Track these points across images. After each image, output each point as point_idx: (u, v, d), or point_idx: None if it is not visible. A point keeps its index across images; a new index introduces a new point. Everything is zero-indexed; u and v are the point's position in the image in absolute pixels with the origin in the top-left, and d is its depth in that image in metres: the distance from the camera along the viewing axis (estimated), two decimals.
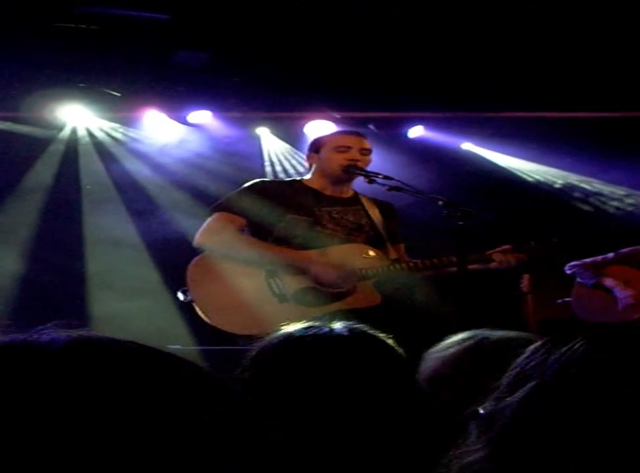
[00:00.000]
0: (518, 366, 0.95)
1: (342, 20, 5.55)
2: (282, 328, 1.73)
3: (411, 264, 4.34)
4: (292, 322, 1.78)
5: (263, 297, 4.19)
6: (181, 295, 4.24)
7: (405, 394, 1.64)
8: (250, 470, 0.69)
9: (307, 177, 4.57)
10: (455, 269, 4.19)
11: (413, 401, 1.64)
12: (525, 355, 0.96)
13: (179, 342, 5.51)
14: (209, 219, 4.36)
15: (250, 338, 3.91)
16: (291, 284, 4.23)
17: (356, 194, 4.57)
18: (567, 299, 5.68)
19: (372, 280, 4.29)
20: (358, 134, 4.57)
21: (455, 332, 2.04)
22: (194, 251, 4.39)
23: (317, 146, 4.50)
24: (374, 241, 4.43)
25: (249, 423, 0.73)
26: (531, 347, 0.96)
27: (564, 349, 0.92)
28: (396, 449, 1.54)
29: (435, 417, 1.70)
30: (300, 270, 4.23)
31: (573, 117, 6.92)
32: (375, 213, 4.52)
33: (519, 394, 0.91)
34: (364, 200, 4.56)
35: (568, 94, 6.47)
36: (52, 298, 6.11)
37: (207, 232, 4.33)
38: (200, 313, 4.18)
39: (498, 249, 4.37)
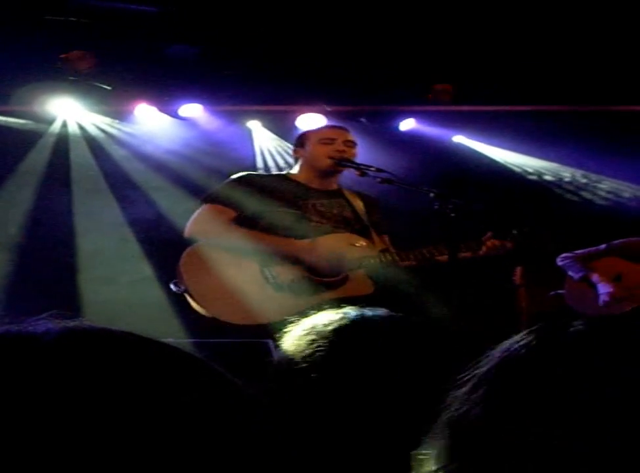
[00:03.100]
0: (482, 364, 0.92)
1: (334, 14, 5.55)
2: (288, 318, 1.71)
3: (402, 254, 4.36)
4: (288, 311, 1.77)
5: (259, 286, 4.20)
6: (173, 287, 4.25)
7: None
8: (241, 467, 0.68)
9: (294, 170, 4.62)
10: (445, 258, 4.22)
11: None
12: (490, 353, 0.94)
13: (171, 335, 5.49)
14: (198, 210, 4.41)
15: (243, 328, 3.91)
16: (285, 273, 4.26)
17: (339, 187, 4.62)
18: (560, 291, 5.68)
19: (363, 269, 4.31)
20: (342, 128, 4.67)
21: (449, 323, 2.02)
22: (185, 243, 4.40)
23: (301, 141, 4.59)
24: (360, 233, 4.47)
25: (251, 419, 0.72)
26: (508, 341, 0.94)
27: (511, 342, 0.90)
28: None
29: None
30: (293, 260, 4.25)
31: (565, 110, 6.93)
32: (359, 205, 4.57)
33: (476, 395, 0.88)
34: (347, 193, 4.61)
35: (561, 87, 6.48)
36: (43, 289, 6.10)
37: (197, 222, 4.37)
38: (195, 303, 4.18)
39: (483, 238, 4.38)
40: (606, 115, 6.92)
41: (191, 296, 4.19)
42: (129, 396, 0.66)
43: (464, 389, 0.90)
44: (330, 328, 1.63)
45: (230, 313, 4.10)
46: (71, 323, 0.73)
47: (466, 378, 0.92)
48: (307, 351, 1.61)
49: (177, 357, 0.73)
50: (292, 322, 1.71)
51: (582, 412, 0.82)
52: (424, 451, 0.94)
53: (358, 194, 4.66)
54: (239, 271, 4.22)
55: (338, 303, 3.92)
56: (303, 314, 1.75)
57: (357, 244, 4.36)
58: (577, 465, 0.79)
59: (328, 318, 1.67)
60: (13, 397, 0.64)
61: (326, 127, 4.82)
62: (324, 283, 4.26)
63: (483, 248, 4.34)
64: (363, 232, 4.47)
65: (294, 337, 1.66)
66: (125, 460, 0.63)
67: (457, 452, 0.87)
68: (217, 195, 4.41)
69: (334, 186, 4.59)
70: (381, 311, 1.70)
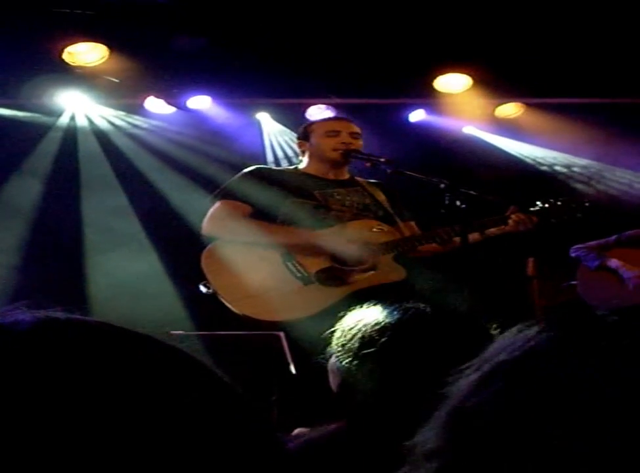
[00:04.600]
0: (493, 353, 0.89)
1: (342, 5, 5.51)
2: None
3: (427, 235, 4.29)
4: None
5: (287, 281, 4.09)
6: (203, 288, 4.12)
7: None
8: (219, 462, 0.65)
9: (302, 165, 4.55)
10: (476, 236, 4.15)
11: None
12: (499, 342, 0.91)
13: (180, 327, 5.49)
14: (214, 207, 4.29)
15: (277, 325, 3.83)
16: (310, 265, 4.15)
17: (352, 176, 4.56)
18: (572, 282, 5.67)
19: (391, 255, 4.22)
20: (345, 119, 4.59)
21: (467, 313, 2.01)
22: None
23: (305, 133, 4.51)
24: (384, 220, 4.37)
25: (229, 412, 0.69)
26: (508, 332, 0.91)
27: (522, 336, 0.87)
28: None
29: None
30: (317, 250, 4.16)
31: (576, 103, 6.90)
32: (378, 194, 4.48)
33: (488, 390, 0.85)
34: (362, 182, 4.54)
35: (571, 79, 6.45)
36: (50, 283, 6.10)
37: (214, 219, 4.26)
38: (226, 303, 4.08)
39: (507, 212, 4.25)
40: (621, 107, 6.88)
41: (221, 296, 4.09)
42: (103, 387, 0.63)
43: (471, 379, 0.87)
44: (377, 327, 1.64)
45: (263, 311, 3.97)
46: (42, 313, 0.70)
47: (473, 367, 0.89)
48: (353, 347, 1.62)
49: (153, 348, 0.70)
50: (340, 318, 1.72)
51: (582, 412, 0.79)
52: (417, 441, 0.91)
53: (374, 183, 4.57)
54: (263, 267, 4.12)
55: (369, 292, 3.88)
56: (336, 304, 1.76)
57: (377, 229, 4.28)
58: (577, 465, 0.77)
59: (374, 316, 1.68)
60: None
61: (330, 118, 4.71)
62: (353, 272, 4.16)
63: (510, 222, 4.20)
64: (387, 219, 4.37)
65: (342, 335, 1.68)
66: (90, 452, 0.60)
67: (455, 445, 0.84)
68: (230, 190, 4.30)
69: (347, 176, 4.52)
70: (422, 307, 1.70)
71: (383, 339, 1.61)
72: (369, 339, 1.62)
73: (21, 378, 0.62)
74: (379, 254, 4.18)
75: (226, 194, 4.30)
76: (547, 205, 4.33)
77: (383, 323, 1.64)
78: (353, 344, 1.64)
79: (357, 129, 4.46)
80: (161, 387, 0.66)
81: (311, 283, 4.10)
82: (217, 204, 4.29)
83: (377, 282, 4.13)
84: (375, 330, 1.63)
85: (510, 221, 4.22)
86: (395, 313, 1.66)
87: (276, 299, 3.99)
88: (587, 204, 4.40)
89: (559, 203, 4.35)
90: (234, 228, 4.20)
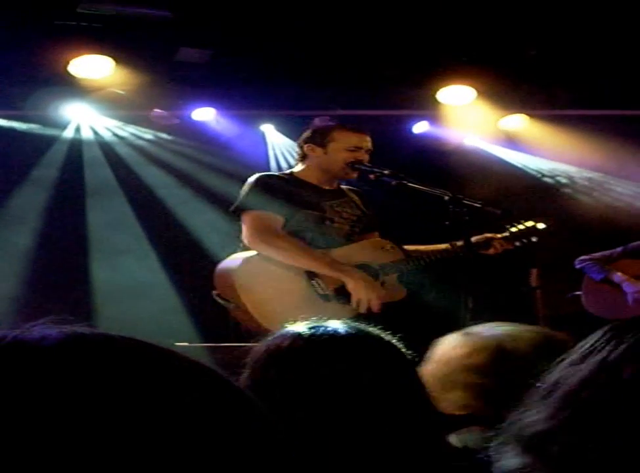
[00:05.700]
0: (590, 341, 1.00)
1: (347, 17, 5.53)
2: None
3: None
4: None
5: (310, 298, 4.13)
6: (220, 300, 4.14)
7: (407, 397, 1.62)
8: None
9: (299, 169, 4.50)
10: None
11: (415, 402, 1.62)
12: (598, 336, 1.00)
13: (186, 339, 5.50)
14: (252, 220, 4.20)
15: None
16: (329, 283, 4.20)
17: (339, 185, 4.57)
18: (577, 292, 5.66)
19: (396, 275, 4.33)
20: (365, 132, 4.47)
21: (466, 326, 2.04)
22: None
23: (322, 139, 4.39)
24: (368, 231, 4.50)
25: (257, 427, 0.70)
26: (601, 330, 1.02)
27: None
28: (396, 448, 1.51)
29: (437, 416, 1.69)
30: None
31: (580, 114, 6.91)
32: (359, 202, 4.55)
33: (585, 365, 0.96)
34: (346, 190, 4.57)
35: (575, 91, 6.46)
36: (57, 295, 6.11)
37: (259, 233, 4.17)
38: (247, 316, 4.06)
39: (479, 236, 4.45)
40: (626, 118, 6.88)
41: (244, 309, 4.06)
42: (130, 402, 0.64)
43: (583, 371, 0.97)
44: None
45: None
46: (69, 329, 0.70)
47: (577, 359, 0.99)
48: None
49: (178, 363, 0.71)
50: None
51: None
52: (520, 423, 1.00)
53: (354, 191, 4.61)
54: (290, 284, 4.15)
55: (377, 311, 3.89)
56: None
57: (385, 249, 4.35)
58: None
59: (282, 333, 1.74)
60: (11, 406, 0.61)
61: (353, 130, 4.43)
62: None
63: (492, 247, 4.46)
64: (371, 230, 4.52)
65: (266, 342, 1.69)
66: (122, 466, 0.61)
67: (573, 424, 0.93)
68: (258, 201, 4.22)
69: (336, 185, 4.53)
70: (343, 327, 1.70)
71: (258, 359, 1.63)
72: (256, 356, 1.64)
73: (49, 393, 0.62)
74: (382, 275, 4.27)
75: (256, 206, 4.22)
76: (513, 230, 4.57)
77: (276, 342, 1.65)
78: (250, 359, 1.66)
79: (370, 145, 4.44)
80: (190, 403, 0.66)
81: (329, 301, 4.15)
82: (253, 216, 4.22)
83: (384, 300, 4.18)
84: (264, 347, 1.65)
85: (492, 247, 4.48)
86: (307, 331, 1.67)
87: (300, 316, 3.97)
88: (540, 227, 4.61)
89: (520, 228, 4.59)
90: (276, 245, 4.15)
